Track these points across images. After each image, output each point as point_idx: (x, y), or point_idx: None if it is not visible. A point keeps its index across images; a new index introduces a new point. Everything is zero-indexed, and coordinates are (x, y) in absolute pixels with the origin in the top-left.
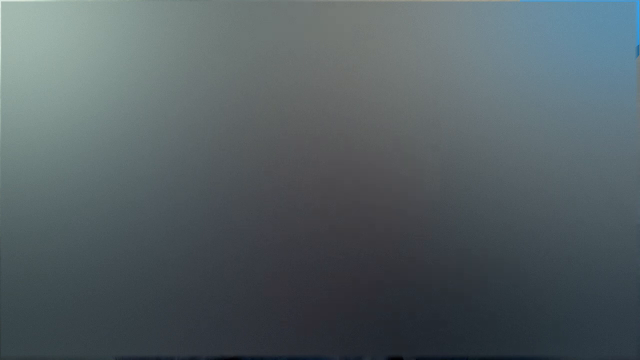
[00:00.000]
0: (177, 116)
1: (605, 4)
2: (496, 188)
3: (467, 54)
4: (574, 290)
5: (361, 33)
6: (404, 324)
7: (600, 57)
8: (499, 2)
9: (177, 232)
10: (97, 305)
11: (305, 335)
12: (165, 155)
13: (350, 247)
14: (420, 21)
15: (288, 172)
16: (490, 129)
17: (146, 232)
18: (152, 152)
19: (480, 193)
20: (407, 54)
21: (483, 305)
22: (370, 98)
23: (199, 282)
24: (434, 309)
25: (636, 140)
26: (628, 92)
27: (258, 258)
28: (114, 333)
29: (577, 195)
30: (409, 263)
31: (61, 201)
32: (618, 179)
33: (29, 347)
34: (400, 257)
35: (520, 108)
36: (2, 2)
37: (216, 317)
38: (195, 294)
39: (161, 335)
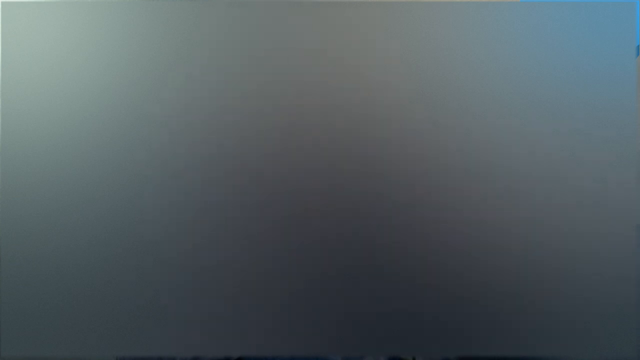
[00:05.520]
0: (177, 116)
1: (605, 4)
2: (496, 188)
3: (467, 54)
4: (573, 290)
5: (361, 33)
6: (404, 324)
7: (600, 57)
8: (499, 2)
9: (178, 232)
10: (97, 305)
11: (305, 335)
12: (165, 155)
13: (350, 247)
14: (420, 21)
15: (289, 172)
16: (490, 128)
17: (147, 232)
18: (153, 152)
19: (480, 192)
20: (407, 54)
21: (483, 306)
22: (370, 98)
23: (199, 282)
24: (435, 309)
25: (636, 140)
26: (628, 92)
27: (259, 258)
28: (114, 333)
29: (577, 195)
30: (410, 263)
31: (61, 201)
32: (618, 179)
33: (29, 347)
34: (400, 257)
35: (520, 108)
36: (2, 2)
37: (216, 317)
38: (195, 295)
39: (162, 335)
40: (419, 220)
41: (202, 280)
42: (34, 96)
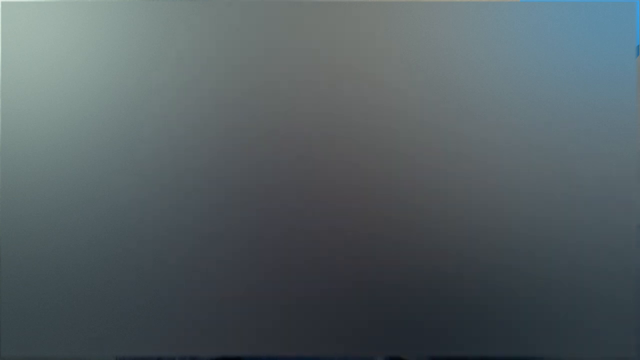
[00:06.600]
0: (177, 116)
1: (605, 4)
2: (496, 188)
3: (467, 54)
4: (573, 290)
5: (361, 33)
6: (404, 324)
7: (600, 57)
8: (499, 2)
9: (177, 232)
10: (97, 305)
11: (305, 335)
12: (165, 155)
13: (350, 248)
14: (421, 21)
15: (288, 172)
16: (490, 128)
17: (146, 232)
18: (152, 152)
19: (480, 192)
20: (407, 54)
21: (483, 305)
22: (370, 98)
23: (198, 282)
24: (434, 309)
25: (636, 140)
26: (628, 92)
27: (258, 258)
28: (114, 333)
29: (577, 195)
30: (410, 263)
31: (61, 201)
32: (618, 179)
33: (29, 347)
34: (400, 257)
35: (520, 108)
36: (2, 2)
37: (216, 317)
38: (195, 294)
39: (161, 335)
40: (418, 220)
41: (202, 280)
42: (34, 96)
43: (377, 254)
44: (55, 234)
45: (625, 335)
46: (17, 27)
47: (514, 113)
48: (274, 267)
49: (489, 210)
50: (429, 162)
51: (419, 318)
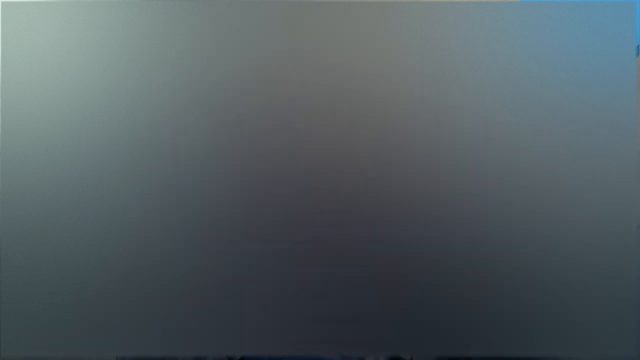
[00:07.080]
0: (177, 116)
1: (605, 4)
2: (496, 188)
3: (467, 54)
4: (573, 290)
5: (361, 33)
6: (404, 324)
7: (600, 57)
8: (499, 2)
9: (178, 231)
10: (97, 305)
11: (305, 335)
12: (165, 155)
13: (350, 247)
14: (421, 21)
15: (289, 172)
16: (490, 129)
17: (147, 232)
18: (152, 152)
19: (480, 192)
20: (407, 54)
21: (483, 305)
22: (370, 98)
23: (198, 282)
24: (434, 309)
25: (636, 140)
26: (628, 92)
27: (260, 258)
28: (114, 333)
29: (577, 195)
30: (410, 263)
31: (61, 201)
32: (618, 179)
33: (29, 347)
34: (400, 257)
35: (520, 108)
36: (2, 2)
37: (217, 317)
38: (195, 294)
39: (162, 336)
40: (418, 220)
41: (201, 280)
42: (34, 96)
43: (377, 254)
44: (55, 234)
45: (625, 335)
46: (17, 27)
47: (514, 113)
48: (275, 267)
49: (489, 210)
50: (428, 161)
51: (419, 318)
